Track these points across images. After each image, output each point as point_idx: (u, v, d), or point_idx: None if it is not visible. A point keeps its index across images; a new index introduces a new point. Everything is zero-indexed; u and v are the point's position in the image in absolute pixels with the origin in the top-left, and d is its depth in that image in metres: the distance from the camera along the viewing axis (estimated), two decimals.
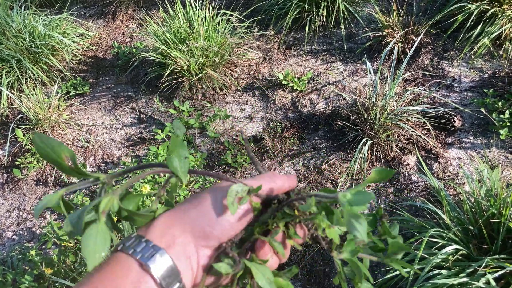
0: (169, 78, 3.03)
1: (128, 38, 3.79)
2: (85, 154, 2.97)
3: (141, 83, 3.30)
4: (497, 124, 2.47)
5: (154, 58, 3.05)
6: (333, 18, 3.28)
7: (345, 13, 3.26)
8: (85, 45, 3.75)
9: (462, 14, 2.87)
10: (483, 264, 1.67)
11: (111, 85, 3.41)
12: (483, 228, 1.82)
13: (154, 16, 3.49)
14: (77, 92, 3.35)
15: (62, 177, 2.85)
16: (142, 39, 3.63)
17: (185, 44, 2.92)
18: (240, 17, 3.34)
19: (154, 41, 3.06)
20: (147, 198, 2.41)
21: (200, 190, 2.59)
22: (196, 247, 0.53)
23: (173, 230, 0.53)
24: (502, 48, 2.84)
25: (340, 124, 2.64)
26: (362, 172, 2.48)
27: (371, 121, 2.50)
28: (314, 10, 3.29)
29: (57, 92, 3.28)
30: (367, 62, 2.63)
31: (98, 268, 0.48)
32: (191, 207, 0.55)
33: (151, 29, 3.12)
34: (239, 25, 3.26)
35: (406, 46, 2.95)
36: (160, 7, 3.42)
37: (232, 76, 3.16)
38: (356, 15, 3.29)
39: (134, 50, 3.47)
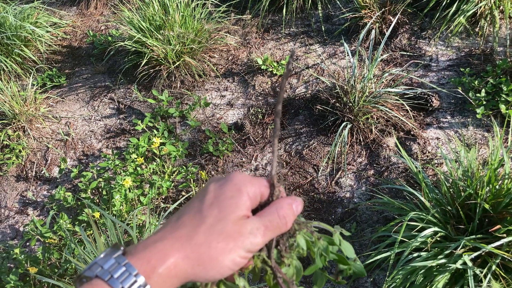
0: (146, 67, 2.99)
1: (103, 26, 3.71)
2: (65, 147, 2.94)
3: (119, 72, 3.25)
4: (473, 103, 2.50)
5: (130, 47, 3.00)
6: None
7: None
8: (59, 34, 3.66)
9: None
10: (461, 245, 1.72)
11: (88, 75, 3.35)
12: (460, 209, 1.86)
13: (128, 2, 3.41)
14: (53, 84, 3.29)
15: (43, 172, 2.82)
16: (117, 27, 3.56)
17: (161, 33, 2.87)
18: (216, 1, 3.29)
19: (129, 29, 3.00)
20: (130, 191, 2.41)
21: (183, 181, 2.59)
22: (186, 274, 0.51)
23: (166, 252, 0.51)
24: (478, 26, 2.85)
25: (320, 108, 2.65)
26: (343, 156, 2.50)
27: (351, 104, 2.51)
28: None
29: (33, 85, 3.22)
30: (345, 44, 2.63)
31: None
32: (195, 229, 0.52)
33: (125, 17, 3.05)
34: (215, 10, 3.21)
35: (384, 26, 2.94)
36: None
37: (210, 62, 3.13)
38: None
39: (109, 38, 3.40)
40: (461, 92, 2.57)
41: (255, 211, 0.57)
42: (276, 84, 2.94)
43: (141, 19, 2.98)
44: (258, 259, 0.57)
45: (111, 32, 3.46)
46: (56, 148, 2.93)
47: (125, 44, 3.00)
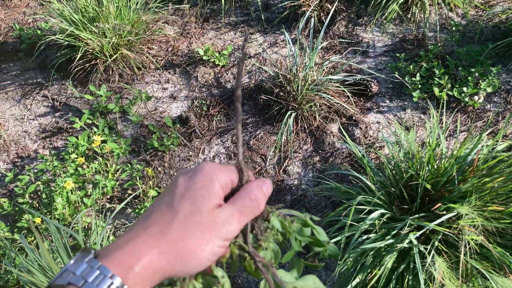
0: (81, 61, 2.84)
1: (30, 19, 3.48)
2: None
3: (51, 67, 3.07)
4: (410, 87, 2.61)
5: (62, 41, 2.83)
6: None
7: None
8: None
9: None
10: (406, 225, 1.80)
11: (17, 72, 3.13)
12: (403, 189, 1.95)
13: None
14: None
15: None
16: (46, 20, 3.34)
17: (95, 25, 2.73)
18: None
19: (60, 22, 2.83)
20: (72, 193, 2.30)
21: (128, 179, 2.51)
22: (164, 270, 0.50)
23: (140, 250, 0.48)
24: (410, 12, 2.97)
25: (265, 98, 2.65)
26: (289, 144, 2.53)
27: (294, 93, 2.53)
28: None
29: None
30: (286, 33, 2.64)
31: None
32: (169, 223, 0.50)
33: (54, 9, 2.87)
34: (151, 0, 3.11)
35: (322, 14, 2.98)
36: None
37: (149, 54, 3.03)
38: None
39: (39, 31, 3.20)
40: (397, 76, 2.68)
41: (226, 199, 0.56)
42: (219, 75, 2.91)
43: (73, 11, 2.81)
44: (235, 246, 0.56)
45: (40, 25, 3.25)
46: None
47: (56, 38, 2.83)
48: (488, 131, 2.03)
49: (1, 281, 2.07)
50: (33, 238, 2.26)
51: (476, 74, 2.58)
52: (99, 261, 0.48)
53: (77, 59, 2.79)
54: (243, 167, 0.58)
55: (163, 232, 0.50)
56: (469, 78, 2.54)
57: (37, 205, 2.41)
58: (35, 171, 2.49)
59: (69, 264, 0.48)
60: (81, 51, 2.76)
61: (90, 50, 2.80)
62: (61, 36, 2.82)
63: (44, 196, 2.36)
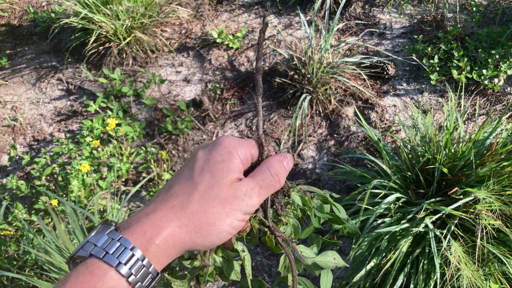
0: (95, 44, 2.84)
1: (44, 2, 3.48)
2: (14, 133, 2.77)
3: (65, 51, 3.07)
4: (427, 70, 2.55)
5: (76, 24, 2.83)
6: None
7: None
8: None
9: None
10: (422, 209, 1.78)
11: (32, 56, 3.15)
12: (419, 173, 1.92)
13: None
14: None
15: None
16: (60, 3, 3.34)
17: (108, 7, 2.72)
18: None
19: (73, 4, 2.82)
20: (87, 176, 2.32)
21: (143, 162, 2.52)
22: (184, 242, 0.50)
23: (160, 223, 0.49)
24: None
25: (279, 81, 2.62)
26: (304, 128, 2.50)
27: (309, 75, 2.50)
28: None
29: None
30: (301, 15, 2.59)
31: (70, 278, 0.45)
32: (189, 195, 0.51)
33: None
34: None
35: None
36: None
37: (163, 37, 3.01)
38: None
39: (53, 15, 3.20)
40: (415, 59, 2.62)
41: (246, 173, 0.56)
42: (233, 58, 2.88)
43: None
44: (255, 221, 0.57)
45: (54, 8, 3.25)
46: (4, 135, 2.77)
47: (70, 21, 2.82)
48: (508, 114, 1.98)
49: (20, 261, 2.11)
50: (50, 219, 2.29)
51: (497, 56, 2.51)
52: (120, 233, 0.48)
53: (90, 42, 2.78)
54: (264, 141, 0.57)
55: (183, 205, 0.50)
56: (489, 60, 2.47)
57: (53, 187, 2.44)
58: (51, 154, 2.51)
59: (90, 236, 0.49)
60: (95, 34, 2.76)
61: (103, 33, 2.79)
62: (75, 19, 2.82)
63: (60, 178, 2.39)
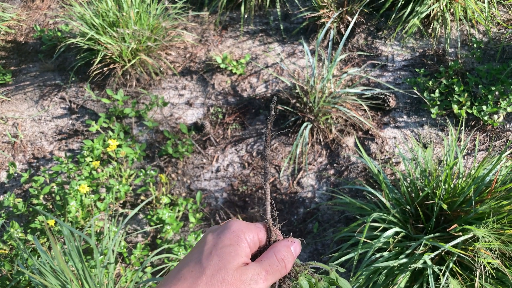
0: (100, 65, 2.87)
1: (51, 20, 3.52)
2: (13, 150, 2.77)
3: (70, 70, 3.10)
4: (428, 103, 2.58)
5: (82, 45, 2.86)
6: None
7: None
8: (2, 28, 3.44)
9: None
10: (421, 244, 1.77)
11: (36, 73, 3.17)
12: (418, 208, 1.92)
13: None
14: None
15: None
16: (67, 22, 3.38)
17: (115, 30, 2.76)
18: None
19: (80, 25, 2.86)
20: (86, 197, 2.31)
21: (141, 184, 2.51)
22: None
23: None
24: (431, 27, 2.94)
25: (281, 108, 2.64)
26: (304, 156, 2.51)
27: (310, 104, 2.52)
28: None
29: None
30: (304, 44, 2.63)
31: None
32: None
33: (75, 12, 2.90)
34: (171, 6, 3.12)
35: (341, 26, 2.97)
36: None
37: (167, 60, 3.04)
38: None
39: (59, 34, 3.23)
40: (416, 92, 2.65)
41: (254, 257, 0.57)
42: (236, 83, 2.91)
43: (94, 15, 2.84)
44: None
45: (61, 27, 3.29)
46: (3, 151, 2.76)
47: (77, 41, 2.86)
48: (508, 152, 1.99)
49: (13, 281, 2.08)
50: (45, 239, 2.27)
51: (496, 93, 2.54)
52: None
53: (96, 62, 2.81)
54: (271, 226, 0.59)
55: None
56: (489, 96, 2.50)
57: (50, 206, 2.42)
58: (50, 172, 2.51)
59: None
60: (100, 55, 2.79)
61: (109, 54, 2.82)
62: (81, 40, 2.85)
63: (58, 198, 2.37)
